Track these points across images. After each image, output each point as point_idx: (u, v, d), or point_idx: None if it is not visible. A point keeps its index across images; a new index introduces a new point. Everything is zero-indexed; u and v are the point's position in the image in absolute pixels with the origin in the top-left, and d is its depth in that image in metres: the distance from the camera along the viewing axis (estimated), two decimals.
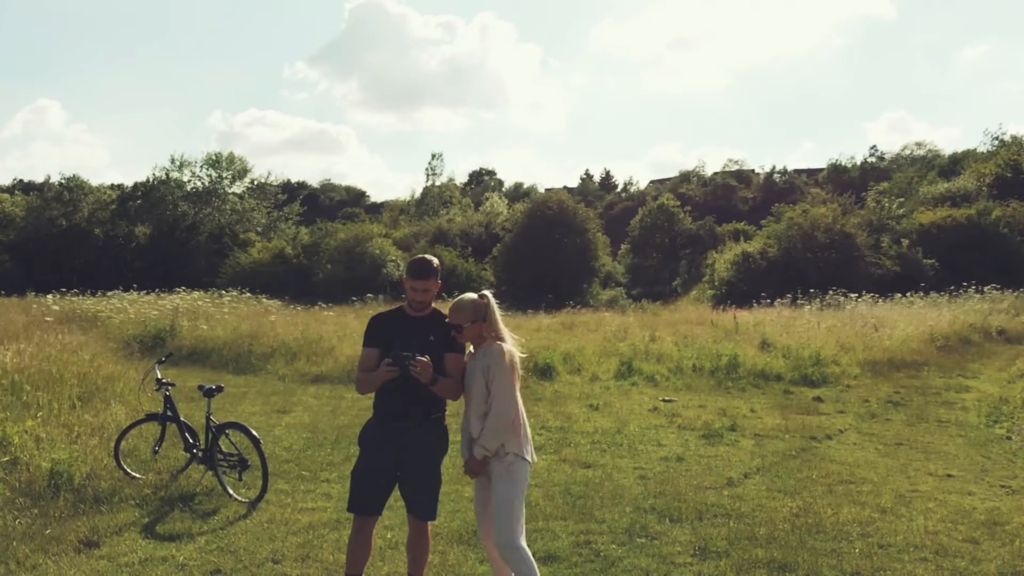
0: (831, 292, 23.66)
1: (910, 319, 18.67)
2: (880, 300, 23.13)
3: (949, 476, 7.23)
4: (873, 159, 62.28)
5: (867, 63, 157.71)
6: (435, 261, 4.13)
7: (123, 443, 6.80)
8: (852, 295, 23.18)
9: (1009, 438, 8.94)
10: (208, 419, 6.51)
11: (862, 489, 6.71)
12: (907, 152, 59.92)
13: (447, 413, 4.24)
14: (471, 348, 4.15)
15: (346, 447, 7.95)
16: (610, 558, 5.05)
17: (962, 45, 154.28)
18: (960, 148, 55.59)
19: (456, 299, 4.09)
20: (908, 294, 24.23)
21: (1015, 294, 24.76)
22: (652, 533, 5.53)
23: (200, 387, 6.68)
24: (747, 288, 29.20)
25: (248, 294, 25.20)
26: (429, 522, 4.18)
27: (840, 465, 7.56)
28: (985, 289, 24.71)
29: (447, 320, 4.06)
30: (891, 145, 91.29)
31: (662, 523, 5.74)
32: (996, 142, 49.40)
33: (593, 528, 5.63)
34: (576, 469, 7.31)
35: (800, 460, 7.76)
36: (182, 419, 6.81)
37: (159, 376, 6.91)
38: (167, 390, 6.83)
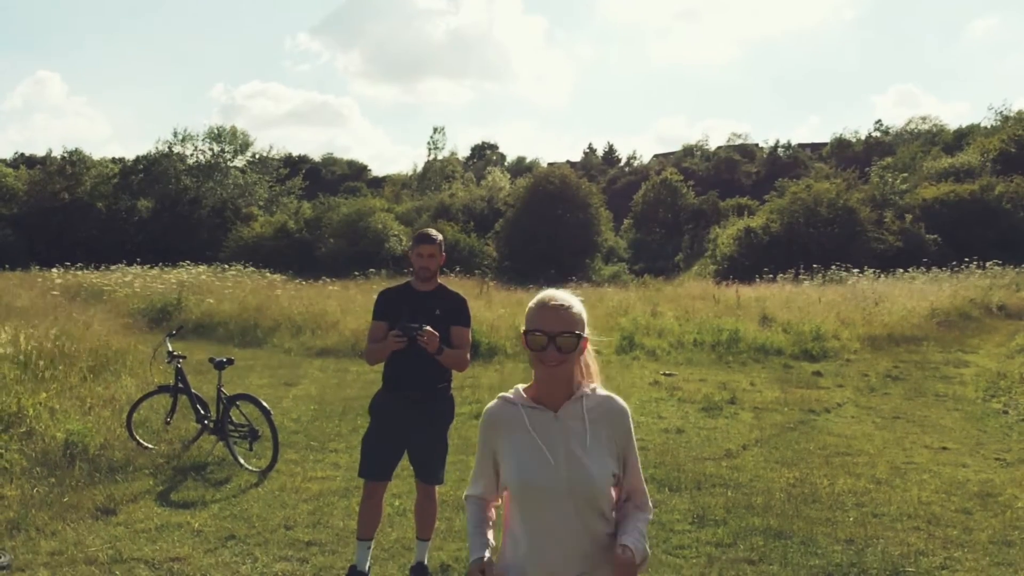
0: (833, 267, 23.75)
1: (911, 294, 18.77)
2: (882, 275, 23.21)
3: (944, 449, 7.37)
4: (878, 133, 61.92)
5: (877, 35, 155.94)
6: (439, 233, 4.29)
7: (135, 414, 6.95)
8: (854, 270, 23.27)
9: (1005, 412, 9.07)
10: (219, 391, 6.64)
11: (858, 461, 6.85)
12: (912, 127, 59.50)
13: (452, 384, 4.37)
14: (523, 395, 2.26)
15: (353, 418, 8.11)
16: None
17: (972, 18, 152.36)
18: (969, 122, 55.19)
19: (552, 292, 2.28)
20: (910, 269, 24.31)
21: (1016, 270, 24.81)
22: (652, 502, 5.67)
23: (211, 359, 6.82)
24: (749, 263, 29.28)
25: (251, 268, 25.32)
26: (436, 487, 4.33)
27: (837, 437, 7.70)
28: (987, 265, 24.77)
29: (553, 327, 2.18)
30: (899, 119, 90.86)
31: (661, 492, 5.89)
32: (1000, 117, 49.07)
33: None
34: None
35: (798, 432, 7.90)
36: (193, 391, 6.95)
37: (170, 349, 7.04)
38: (178, 362, 6.96)
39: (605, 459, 2.19)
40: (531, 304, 2.24)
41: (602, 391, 2.29)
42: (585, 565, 2.17)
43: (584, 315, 2.26)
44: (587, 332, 2.25)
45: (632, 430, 2.29)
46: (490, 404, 2.28)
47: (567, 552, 2.16)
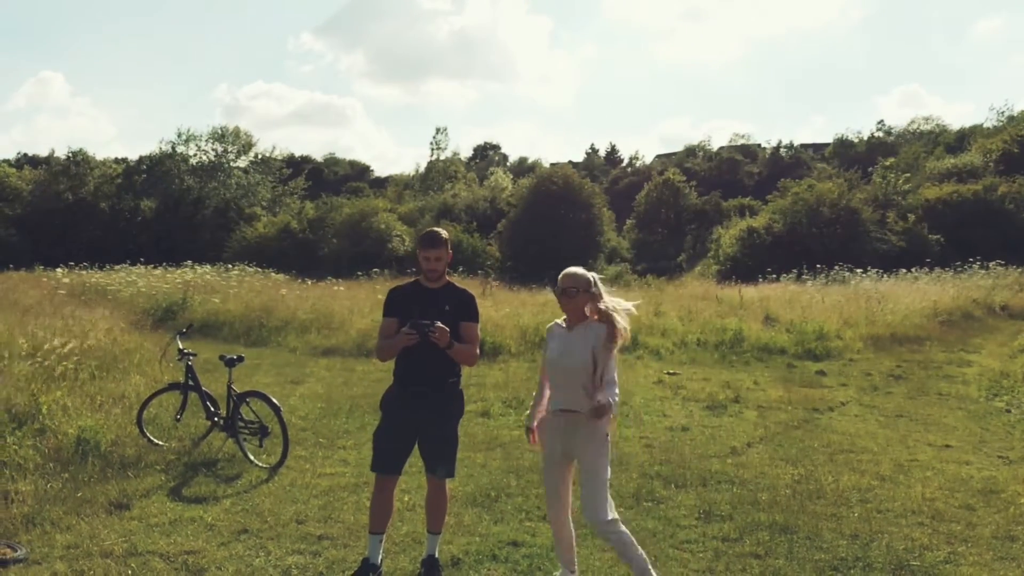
0: (836, 268, 23.79)
1: (914, 294, 18.82)
2: (885, 276, 23.26)
3: (948, 447, 7.43)
4: (880, 134, 61.95)
5: (881, 36, 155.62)
6: (444, 232, 4.34)
7: (145, 412, 7.02)
8: (857, 271, 23.31)
9: (1008, 411, 9.12)
10: (229, 388, 6.71)
11: (862, 458, 6.91)
12: (914, 127, 59.52)
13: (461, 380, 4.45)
14: (562, 322, 4.11)
15: (360, 416, 8.18)
16: None
17: (976, 19, 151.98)
18: (973, 123, 55.12)
19: (568, 268, 4.14)
20: (913, 270, 24.35)
21: (1019, 270, 24.87)
22: (658, 497, 5.74)
23: (221, 357, 6.89)
24: (752, 263, 29.31)
25: (255, 268, 25.40)
26: (447, 481, 4.40)
27: (841, 435, 7.76)
28: (990, 265, 24.81)
29: (557, 284, 4.08)
30: (903, 119, 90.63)
31: (668, 488, 5.96)
32: (1003, 117, 49.10)
33: None
34: None
35: (802, 431, 7.96)
36: (203, 388, 7.01)
37: (181, 347, 7.11)
38: (189, 360, 7.03)
39: (587, 353, 3.94)
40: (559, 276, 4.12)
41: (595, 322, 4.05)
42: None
43: (586, 278, 4.08)
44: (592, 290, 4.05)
45: (604, 342, 3.93)
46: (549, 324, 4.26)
47: (582, 394, 3.92)
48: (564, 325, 4.13)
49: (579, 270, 4.11)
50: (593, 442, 3.90)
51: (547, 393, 4.19)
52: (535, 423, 4.23)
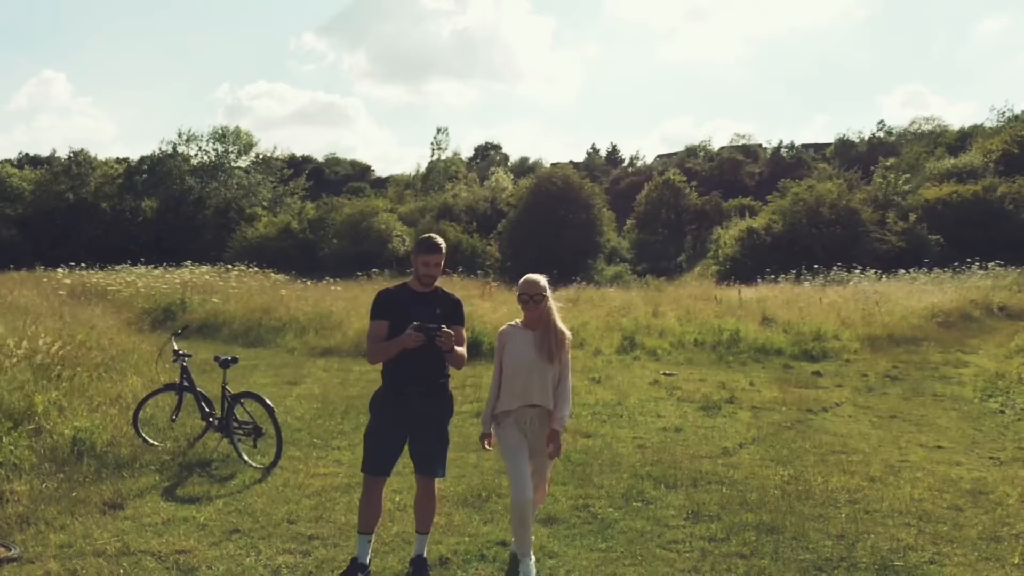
0: (835, 268, 23.82)
1: (912, 295, 18.85)
2: (884, 276, 23.30)
3: (939, 447, 7.46)
4: (881, 134, 61.88)
5: (886, 35, 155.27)
6: (442, 240, 4.44)
7: (141, 412, 7.07)
8: (856, 271, 23.34)
9: (1002, 412, 9.15)
10: (224, 389, 6.76)
11: (853, 459, 6.94)
12: (915, 127, 59.44)
13: (451, 382, 4.50)
14: (518, 324, 4.47)
15: (355, 417, 8.22)
16: (607, 520, 5.31)
17: (980, 18, 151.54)
18: (975, 123, 54.93)
19: (529, 275, 4.49)
20: (912, 270, 24.38)
21: (1018, 270, 24.88)
22: (648, 498, 5.78)
23: (216, 358, 6.94)
24: (752, 264, 29.37)
25: (255, 269, 25.47)
26: (437, 480, 4.45)
27: (833, 436, 7.80)
28: (989, 265, 24.83)
29: (523, 291, 4.43)
30: (906, 119, 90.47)
31: (658, 489, 6.00)
32: (1003, 117, 49.07)
33: (591, 493, 5.89)
34: (577, 439, 7.56)
35: (795, 431, 7.99)
36: (198, 389, 7.07)
37: (176, 348, 7.16)
38: (184, 361, 7.08)
39: (553, 351, 4.41)
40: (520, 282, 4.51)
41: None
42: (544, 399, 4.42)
43: (545, 284, 4.47)
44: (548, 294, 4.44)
45: (563, 346, 4.45)
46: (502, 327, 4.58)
47: (542, 391, 4.40)
48: (523, 327, 4.46)
49: (540, 278, 4.47)
50: (544, 431, 4.46)
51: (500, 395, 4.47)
52: (492, 427, 4.51)
